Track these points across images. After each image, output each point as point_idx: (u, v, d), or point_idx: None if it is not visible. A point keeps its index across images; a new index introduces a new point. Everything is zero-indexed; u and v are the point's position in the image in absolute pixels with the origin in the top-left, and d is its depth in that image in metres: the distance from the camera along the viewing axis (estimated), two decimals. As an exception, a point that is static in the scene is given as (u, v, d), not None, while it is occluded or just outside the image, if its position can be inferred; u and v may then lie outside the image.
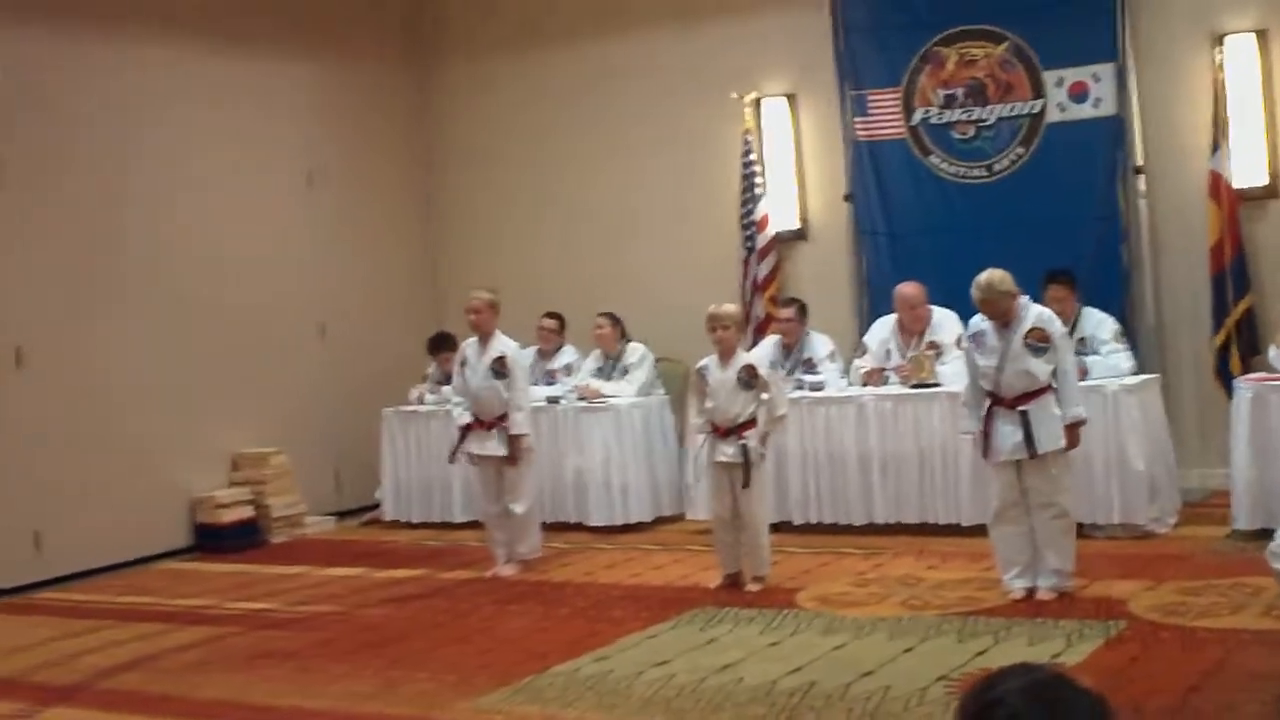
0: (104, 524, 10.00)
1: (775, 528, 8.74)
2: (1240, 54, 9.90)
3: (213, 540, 10.56)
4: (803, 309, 10.30)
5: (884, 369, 9.76)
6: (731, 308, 8.32)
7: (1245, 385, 8.61)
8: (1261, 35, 9.88)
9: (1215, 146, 9.80)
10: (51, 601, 9.24)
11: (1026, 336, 7.27)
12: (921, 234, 10.81)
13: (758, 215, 11.24)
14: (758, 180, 11.26)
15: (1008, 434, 7.27)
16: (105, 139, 10.28)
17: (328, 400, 11.83)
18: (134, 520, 10.24)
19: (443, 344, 11.24)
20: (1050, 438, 7.23)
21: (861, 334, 10.42)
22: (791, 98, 11.43)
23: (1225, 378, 9.58)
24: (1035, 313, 7.40)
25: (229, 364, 11.02)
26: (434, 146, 13.03)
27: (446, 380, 10.60)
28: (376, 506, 11.48)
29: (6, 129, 9.70)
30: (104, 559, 10.00)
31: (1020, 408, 7.25)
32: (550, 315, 11.12)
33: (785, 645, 6.81)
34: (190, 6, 11.00)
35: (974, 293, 7.31)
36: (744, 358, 8.15)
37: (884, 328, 10.06)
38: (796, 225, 11.46)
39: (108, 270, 10.26)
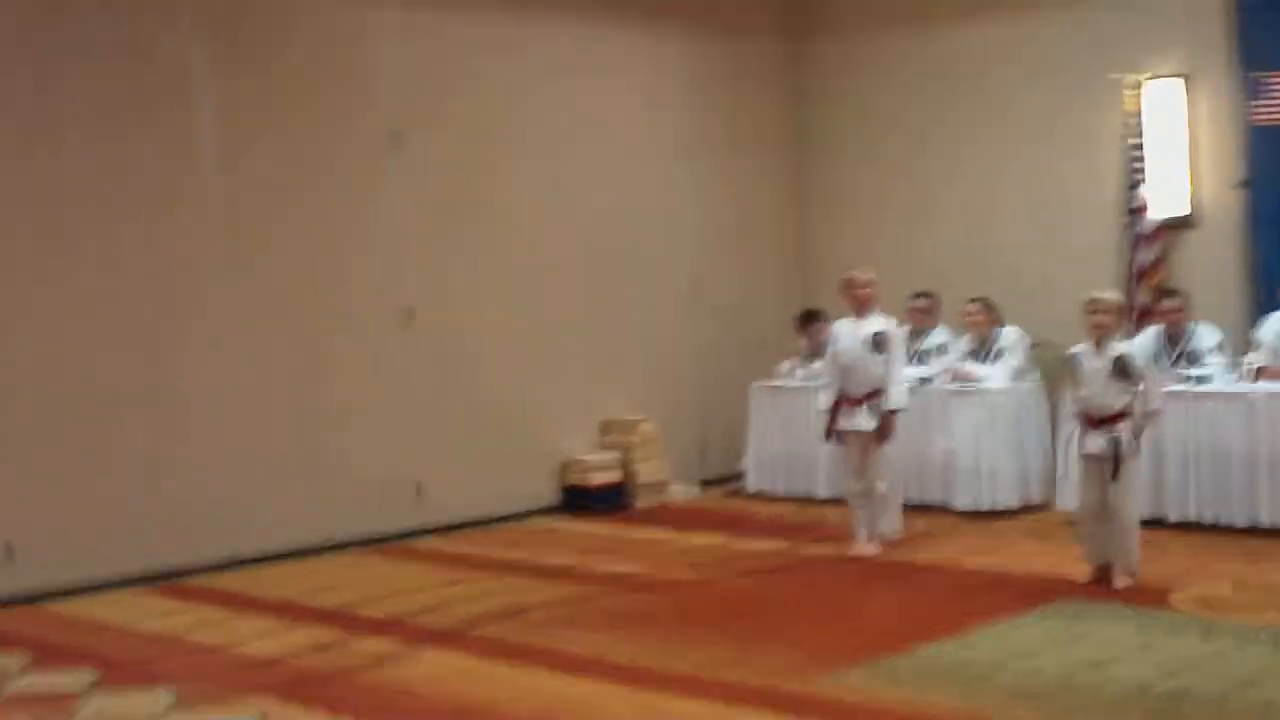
0: (480, 479, 10.40)
1: (1149, 523, 8.42)
2: None
3: (580, 501, 10.85)
4: (1184, 300, 9.88)
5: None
6: (1112, 294, 8.04)
7: None
8: None
9: None
10: (429, 549, 9.65)
11: None
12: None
13: (1139, 201, 10.83)
14: (1139, 165, 10.83)
15: None
16: (485, 108, 10.63)
17: (697, 370, 12.00)
18: (507, 477, 10.63)
19: (813, 319, 11.25)
20: None
21: (1251, 328, 9.93)
22: (1184, 78, 10.93)
23: None
24: None
25: (604, 330, 11.31)
26: (807, 122, 13.01)
27: (815, 355, 10.61)
28: (740, 477, 11.57)
29: (406, 100, 10.13)
30: (478, 512, 10.39)
31: None
32: (922, 294, 10.97)
33: (1159, 646, 6.53)
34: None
35: None
36: (1119, 347, 7.86)
37: (1278, 322, 9.55)
38: (1185, 212, 10.97)
39: (493, 236, 10.63)
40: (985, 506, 10.08)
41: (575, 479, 10.93)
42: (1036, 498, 10.28)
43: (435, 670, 6.58)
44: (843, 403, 9.04)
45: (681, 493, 11.43)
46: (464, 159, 10.46)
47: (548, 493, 10.94)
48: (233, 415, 9.22)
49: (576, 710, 5.84)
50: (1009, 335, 10.63)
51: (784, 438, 11.15)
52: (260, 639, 7.23)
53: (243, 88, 9.34)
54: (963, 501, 10.13)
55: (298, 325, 9.57)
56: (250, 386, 9.31)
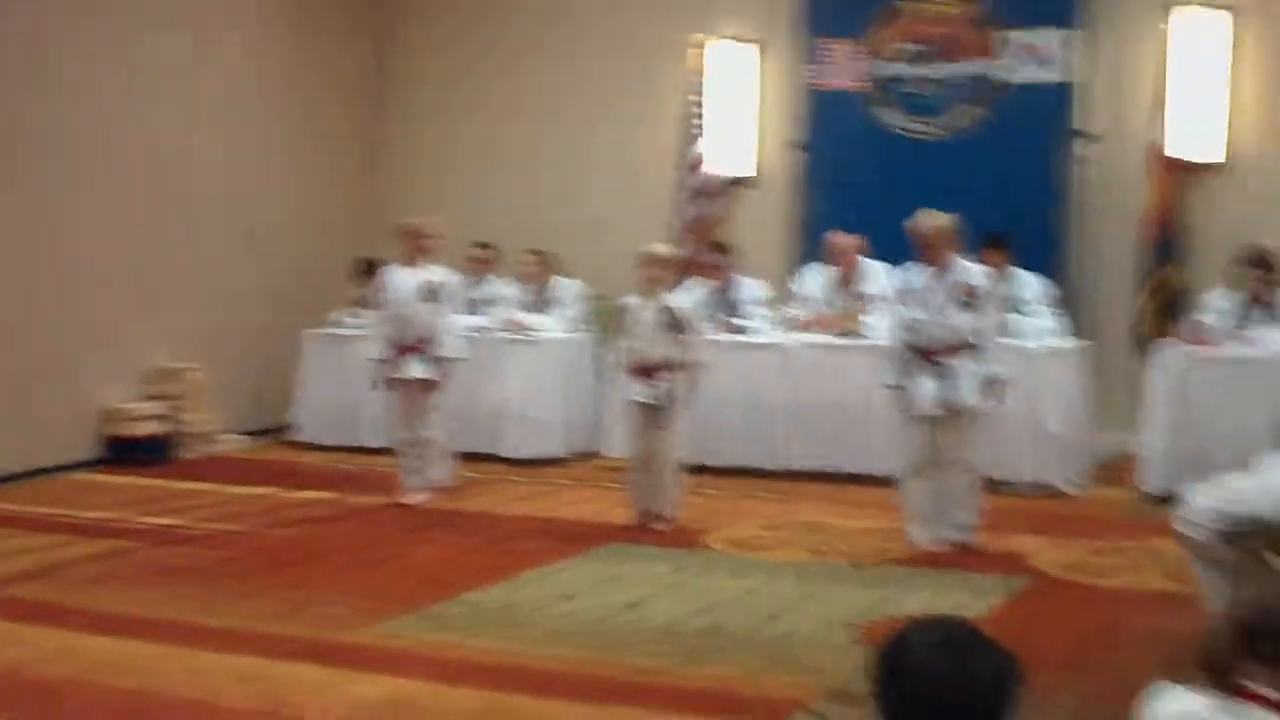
0: (13, 432, 9.83)
1: (691, 469, 8.74)
2: (1188, 27, 9.97)
3: (123, 453, 10.41)
4: (732, 254, 10.28)
5: (815, 318, 9.75)
6: (663, 248, 8.30)
7: (1163, 352, 8.71)
8: (1210, 9, 9.94)
9: (1158, 118, 9.88)
10: (-44, 507, 9.10)
11: (955, 290, 7.29)
12: (868, 186, 10.83)
13: (695, 157, 11.20)
14: (696, 122, 11.20)
15: (927, 388, 7.31)
16: (43, 30, 10.02)
17: (250, 318, 11.70)
18: (43, 429, 10.06)
19: (372, 268, 11.11)
20: (968, 394, 7.28)
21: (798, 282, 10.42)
22: (750, 43, 11.36)
23: (1146, 344, 9.68)
24: (965, 268, 7.43)
25: (150, 275, 10.85)
26: (383, 69, 12.86)
27: (371, 304, 10.52)
28: (291, 427, 11.38)
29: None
30: (11, 467, 9.84)
31: (941, 362, 7.28)
32: (480, 245, 11.04)
33: (693, 585, 6.81)
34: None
35: (913, 228, 7.30)
36: (668, 300, 8.11)
37: (816, 276, 10.05)
38: (744, 171, 11.42)
39: (26, 172, 10.02)
40: (535, 455, 10.24)
41: (118, 430, 10.47)
42: (584, 446, 10.50)
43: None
44: (395, 351, 9.01)
45: (231, 443, 11.16)
46: (3, 88, 9.82)
47: (88, 445, 10.45)
48: None
49: (115, 669, 5.60)
50: (565, 286, 10.82)
51: (336, 387, 11.01)
52: None
53: None
54: (513, 450, 10.26)
55: None
56: None
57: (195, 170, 11.24)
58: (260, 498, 9.26)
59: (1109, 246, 10.33)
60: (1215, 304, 8.83)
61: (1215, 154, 10.02)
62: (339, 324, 11.20)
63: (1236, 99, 10.00)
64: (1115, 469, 9.36)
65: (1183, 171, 9.94)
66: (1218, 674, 3.11)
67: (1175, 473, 8.07)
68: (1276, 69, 9.76)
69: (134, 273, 10.71)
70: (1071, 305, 10.06)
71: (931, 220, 7.31)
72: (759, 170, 11.44)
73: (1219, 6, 9.94)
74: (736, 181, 11.40)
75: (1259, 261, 8.55)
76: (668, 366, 8.03)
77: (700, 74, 11.28)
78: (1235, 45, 9.96)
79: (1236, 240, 9.13)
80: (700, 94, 11.25)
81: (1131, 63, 10.27)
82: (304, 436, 11.17)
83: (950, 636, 2.50)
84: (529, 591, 6.72)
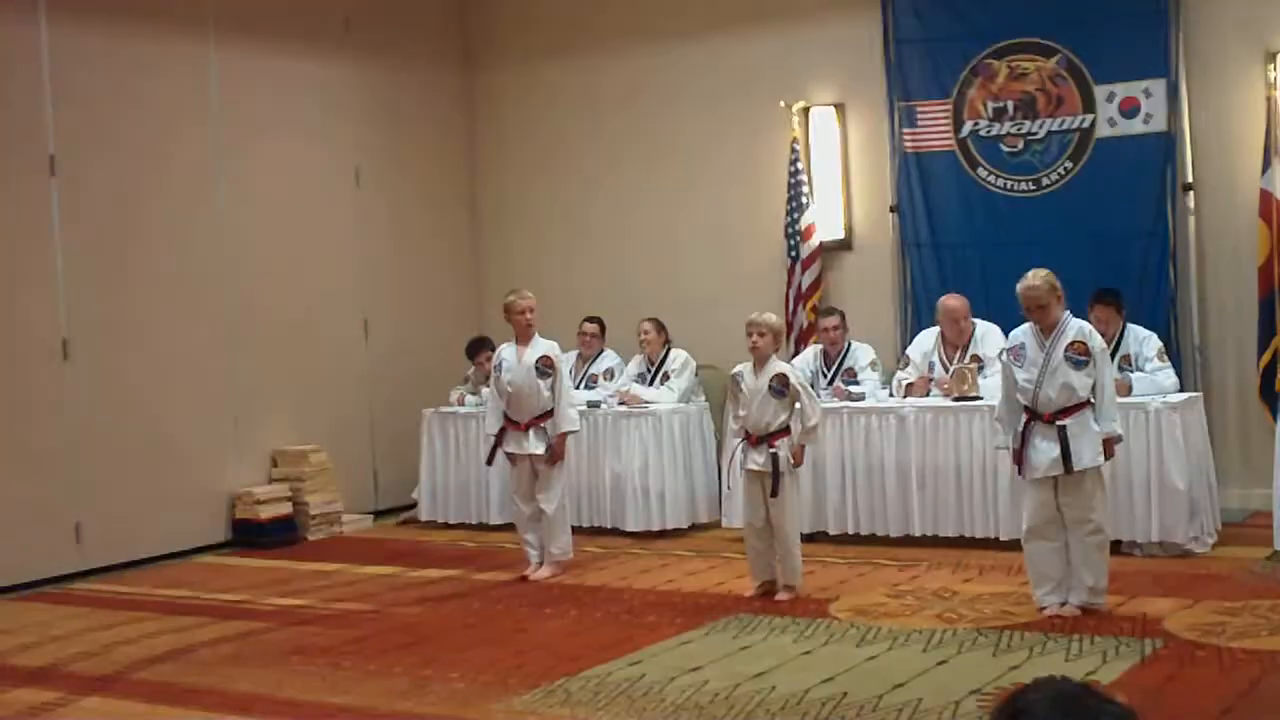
0: (143, 517, 10.06)
1: (811, 537, 8.71)
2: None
3: (250, 536, 10.61)
4: (843, 318, 10.28)
5: (928, 380, 9.70)
6: (769, 316, 8.27)
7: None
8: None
9: (1266, 165, 9.72)
10: (90, 592, 9.29)
11: (1067, 349, 7.22)
12: (967, 246, 10.79)
13: (803, 225, 11.22)
14: (804, 189, 11.24)
15: (1044, 450, 7.21)
16: (154, 135, 10.35)
17: (369, 399, 11.89)
18: (173, 514, 10.30)
19: (482, 346, 11.26)
20: (1087, 454, 7.17)
21: (904, 345, 10.40)
22: (839, 107, 11.40)
23: (1270, 397, 9.50)
24: (1076, 326, 7.35)
25: (272, 361, 11.09)
26: (481, 150, 13.07)
27: (485, 382, 10.65)
28: (413, 506, 11.51)
29: (58, 123, 9.75)
30: (142, 551, 10.07)
31: (1058, 423, 7.19)
32: (591, 320, 11.13)
33: (818, 655, 6.79)
34: (239, 3, 11.06)
35: (1020, 289, 7.26)
36: (777, 366, 8.10)
37: (927, 340, 10.00)
38: (841, 235, 11.42)
39: (154, 265, 10.32)
40: (655, 527, 10.26)
41: (244, 513, 10.68)
42: (704, 517, 10.51)
43: (96, 718, 6.32)
44: (509, 427, 9.08)
45: (355, 524, 11.31)
46: (125, 188, 10.11)
47: (216, 528, 10.66)
48: None
49: (245, 749, 5.72)
50: (677, 357, 10.84)
51: (456, 465, 11.13)
52: (-96, 694, 6.84)
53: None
54: (633, 523, 10.28)
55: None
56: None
57: (311, 255, 11.51)
58: (385, 577, 9.37)
59: (1223, 298, 10.15)
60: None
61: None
62: (459, 402, 11.32)
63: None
64: (1241, 526, 9.19)
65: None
66: None
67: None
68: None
69: (256, 356, 10.96)
70: (1187, 359, 9.94)
71: (1040, 279, 7.26)
72: (854, 234, 11.43)
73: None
74: (832, 246, 11.37)
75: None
76: (779, 434, 8.02)
77: (800, 141, 11.30)
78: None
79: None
80: (801, 161, 11.27)
81: (1233, 111, 10.11)
82: (427, 515, 11.27)
83: (1065, 693, 2.48)
84: (653, 664, 6.73)
